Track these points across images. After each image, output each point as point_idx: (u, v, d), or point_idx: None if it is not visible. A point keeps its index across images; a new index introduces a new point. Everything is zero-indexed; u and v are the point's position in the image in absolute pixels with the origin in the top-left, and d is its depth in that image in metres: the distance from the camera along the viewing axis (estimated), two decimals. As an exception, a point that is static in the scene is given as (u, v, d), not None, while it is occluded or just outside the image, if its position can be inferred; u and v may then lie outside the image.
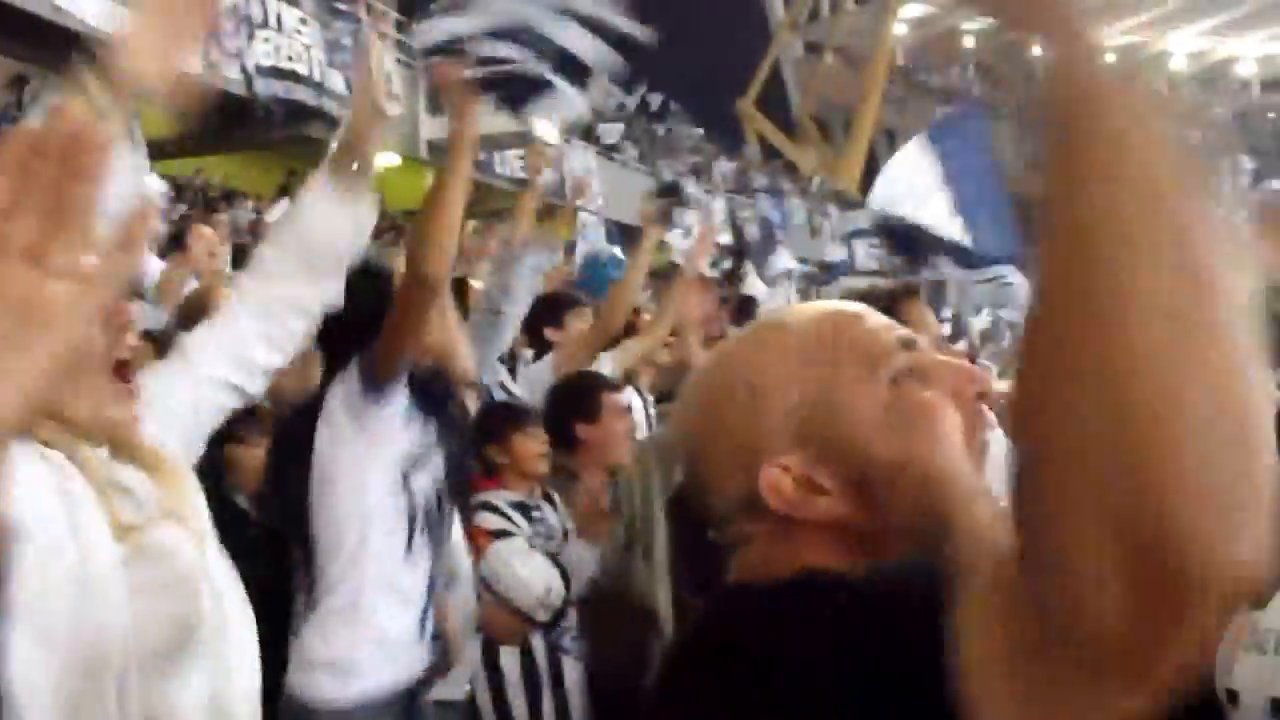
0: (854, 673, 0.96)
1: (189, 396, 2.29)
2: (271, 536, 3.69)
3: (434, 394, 3.62)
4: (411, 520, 3.54)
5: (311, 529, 3.51)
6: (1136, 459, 0.74)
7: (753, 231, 30.04)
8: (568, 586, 4.06)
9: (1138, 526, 0.74)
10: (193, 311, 4.11)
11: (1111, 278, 0.77)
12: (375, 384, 3.44)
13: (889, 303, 3.17)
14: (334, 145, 2.73)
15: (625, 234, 15.78)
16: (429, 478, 3.59)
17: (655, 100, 32.88)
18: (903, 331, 1.27)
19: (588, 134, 24.87)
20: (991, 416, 1.34)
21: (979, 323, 15.82)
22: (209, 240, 7.20)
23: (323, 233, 2.60)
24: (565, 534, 4.19)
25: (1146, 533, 0.74)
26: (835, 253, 34.03)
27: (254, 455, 4.03)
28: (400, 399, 3.51)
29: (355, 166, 2.69)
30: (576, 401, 4.43)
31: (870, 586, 1.09)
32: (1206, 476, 0.73)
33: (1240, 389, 0.75)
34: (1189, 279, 0.77)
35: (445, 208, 3.29)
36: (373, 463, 3.49)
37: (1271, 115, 57.56)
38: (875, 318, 1.28)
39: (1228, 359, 0.76)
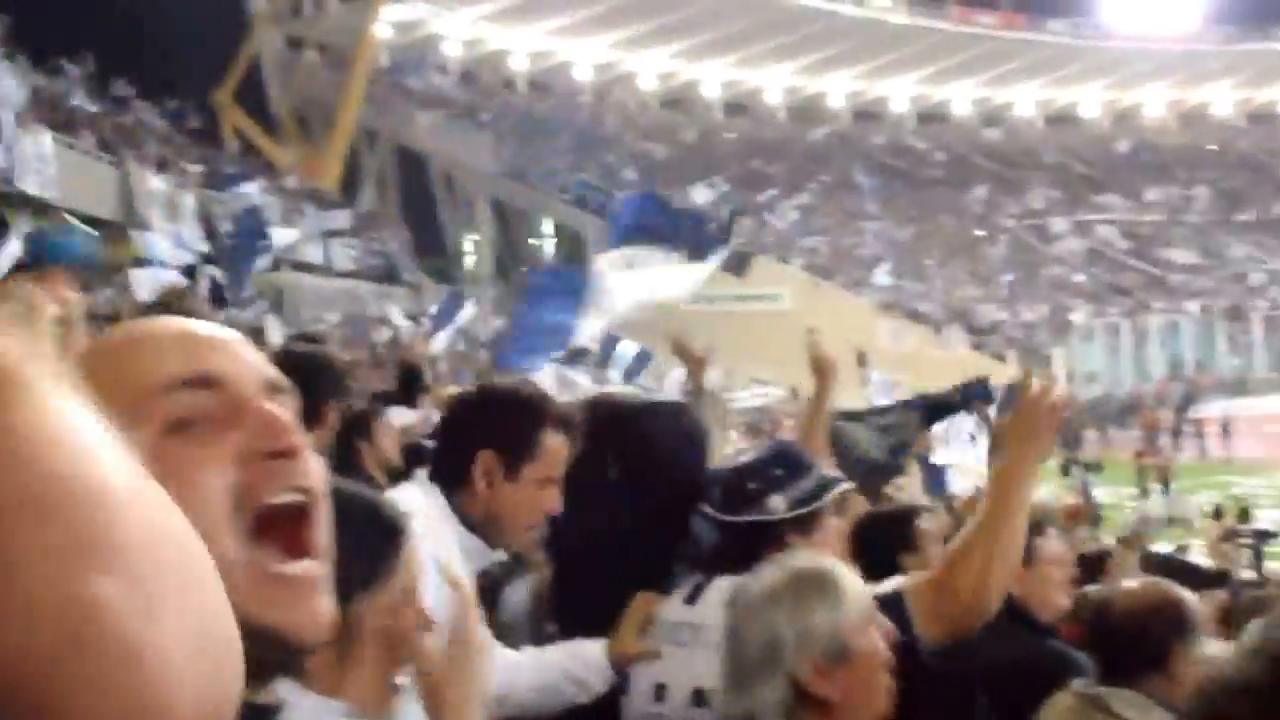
0: None
1: None
2: None
3: None
4: None
5: None
6: None
7: (227, 228, 29.15)
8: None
9: None
10: None
11: None
12: None
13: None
14: None
15: (95, 225, 14.92)
16: None
17: (121, 87, 31.28)
18: (200, 367, 1.05)
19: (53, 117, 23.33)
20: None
21: None
22: None
23: None
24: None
25: None
26: (312, 253, 33.58)
27: None
28: None
29: None
30: None
31: None
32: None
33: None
34: None
35: None
36: None
37: (731, 136, 61.43)
38: (169, 344, 1.07)
39: None
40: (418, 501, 2.55)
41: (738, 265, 45.74)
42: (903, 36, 60.75)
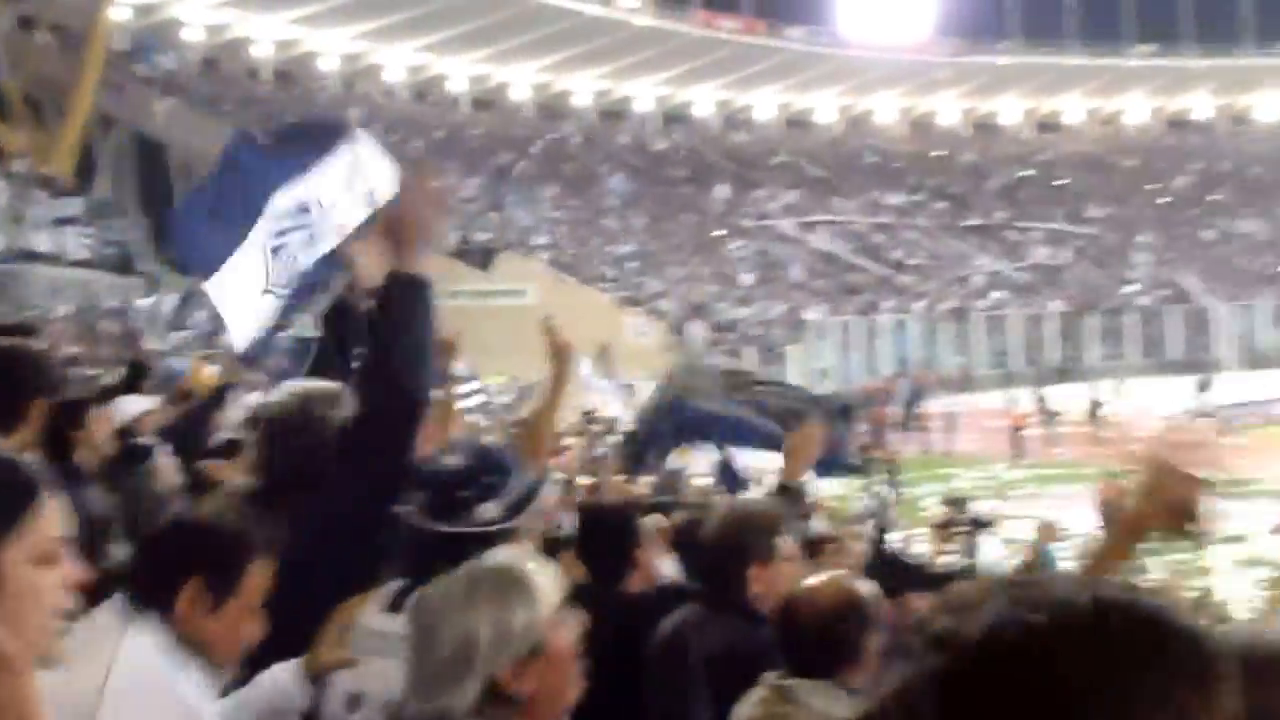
0: None
1: None
2: None
3: None
4: None
5: None
6: None
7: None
8: None
9: None
10: None
11: None
12: None
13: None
14: None
15: None
16: None
17: None
18: None
19: None
20: None
21: None
22: None
23: None
24: None
25: None
26: (42, 241, 32.39)
27: None
28: None
29: None
30: None
31: None
32: None
33: None
34: None
35: None
36: None
37: (478, 131, 61.28)
38: None
39: None
40: (149, 650, 2.49)
41: (482, 260, 45.79)
42: (648, 38, 61.59)
